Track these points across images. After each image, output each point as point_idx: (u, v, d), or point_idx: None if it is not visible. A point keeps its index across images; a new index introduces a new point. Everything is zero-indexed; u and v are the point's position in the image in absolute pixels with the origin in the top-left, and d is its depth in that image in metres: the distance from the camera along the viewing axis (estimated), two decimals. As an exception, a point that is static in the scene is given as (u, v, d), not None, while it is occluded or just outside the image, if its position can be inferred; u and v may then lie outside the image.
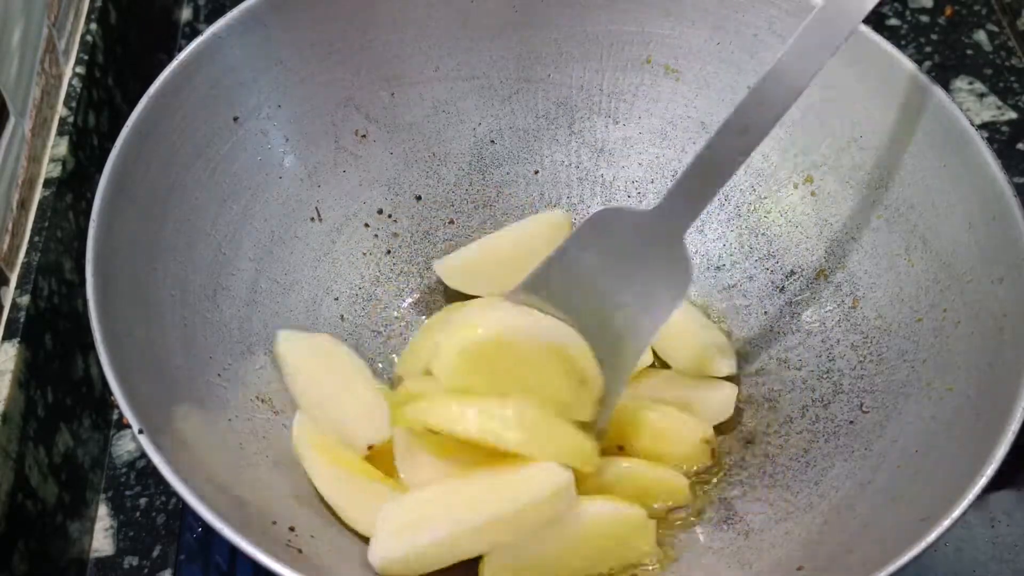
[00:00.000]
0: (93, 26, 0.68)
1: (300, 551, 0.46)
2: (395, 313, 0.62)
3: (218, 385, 0.53)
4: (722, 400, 0.57)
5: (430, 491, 0.49)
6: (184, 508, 0.59)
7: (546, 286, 0.52)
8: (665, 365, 0.60)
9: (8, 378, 0.52)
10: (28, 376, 0.53)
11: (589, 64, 0.64)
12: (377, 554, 0.47)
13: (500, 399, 0.48)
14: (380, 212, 0.63)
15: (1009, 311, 0.49)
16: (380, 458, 0.53)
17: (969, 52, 0.81)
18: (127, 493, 0.60)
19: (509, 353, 0.50)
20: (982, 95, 0.78)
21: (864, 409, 0.54)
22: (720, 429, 0.57)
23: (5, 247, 0.55)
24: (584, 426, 0.51)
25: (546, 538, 0.48)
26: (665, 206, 0.52)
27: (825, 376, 0.57)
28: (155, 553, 0.58)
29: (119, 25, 0.73)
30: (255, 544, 0.42)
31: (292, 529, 0.47)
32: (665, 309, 0.52)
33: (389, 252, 0.63)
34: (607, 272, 0.52)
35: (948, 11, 0.84)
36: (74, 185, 0.61)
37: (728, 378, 0.59)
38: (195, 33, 0.76)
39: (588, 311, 0.52)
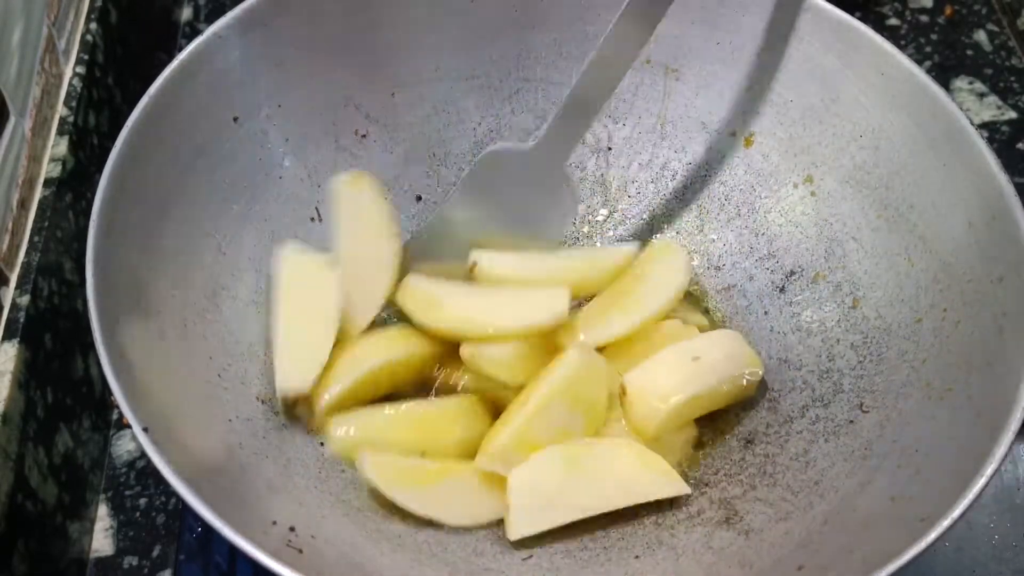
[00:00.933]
0: (93, 26, 0.68)
1: (300, 551, 0.46)
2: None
3: (218, 385, 0.53)
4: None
5: (554, 470, 0.52)
6: (184, 508, 0.59)
7: (443, 232, 0.60)
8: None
9: (8, 378, 0.52)
10: (28, 376, 0.53)
11: (589, 64, 0.64)
12: (515, 531, 0.51)
13: None
14: (380, 212, 0.63)
15: (1009, 311, 0.49)
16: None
17: (969, 52, 0.81)
18: (127, 493, 0.60)
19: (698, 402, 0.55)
20: (982, 95, 0.78)
21: (864, 409, 0.54)
22: (720, 430, 0.57)
23: (5, 247, 0.55)
24: None
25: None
26: (544, 141, 0.58)
27: (825, 376, 0.57)
28: (155, 553, 0.58)
29: (119, 25, 0.73)
30: (255, 544, 0.42)
31: (292, 529, 0.47)
32: (557, 231, 0.62)
33: (389, 252, 0.63)
34: (502, 206, 0.59)
35: (948, 11, 0.84)
36: (74, 185, 0.61)
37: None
38: (195, 33, 0.76)
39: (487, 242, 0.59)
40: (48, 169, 0.60)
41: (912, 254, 0.56)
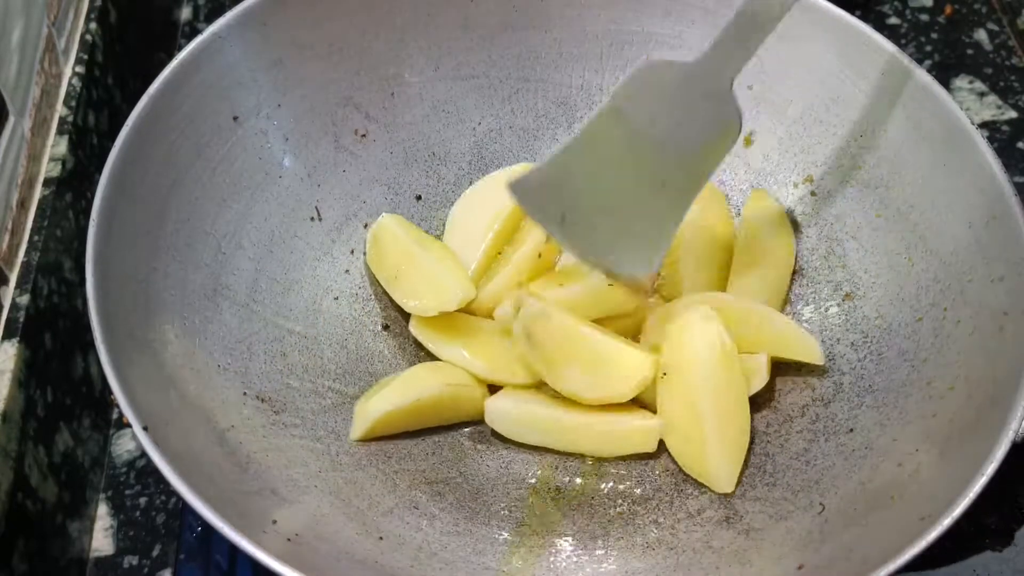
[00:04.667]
0: (93, 25, 0.68)
1: (300, 551, 0.46)
2: (395, 313, 0.62)
3: (218, 384, 0.53)
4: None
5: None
6: (184, 508, 0.59)
7: (601, 140, 0.51)
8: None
9: (8, 377, 0.52)
10: (28, 376, 0.53)
11: (589, 64, 0.64)
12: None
13: None
14: (380, 211, 0.63)
15: (1009, 310, 0.49)
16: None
17: (969, 51, 0.81)
18: (127, 492, 0.60)
19: None
20: (982, 94, 0.78)
21: (864, 408, 0.54)
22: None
23: (5, 246, 0.55)
24: None
25: None
26: (711, 55, 0.51)
27: (825, 376, 0.57)
28: (155, 553, 0.58)
29: (119, 24, 0.73)
30: (255, 544, 0.42)
31: (292, 529, 0.47)
32: (717, 155, 0.54)
33: (389, 252, 0.63)
34: (655, 125, 0.52)
35: (948, 10, 0.84)
36: (74, 184, 0.61)
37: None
38: (195, 32, 0.76)
39: (638, 165, 0.52)
40: (48, 169, 0.60)
41: (912, 254, 0.56)
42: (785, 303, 0.60)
